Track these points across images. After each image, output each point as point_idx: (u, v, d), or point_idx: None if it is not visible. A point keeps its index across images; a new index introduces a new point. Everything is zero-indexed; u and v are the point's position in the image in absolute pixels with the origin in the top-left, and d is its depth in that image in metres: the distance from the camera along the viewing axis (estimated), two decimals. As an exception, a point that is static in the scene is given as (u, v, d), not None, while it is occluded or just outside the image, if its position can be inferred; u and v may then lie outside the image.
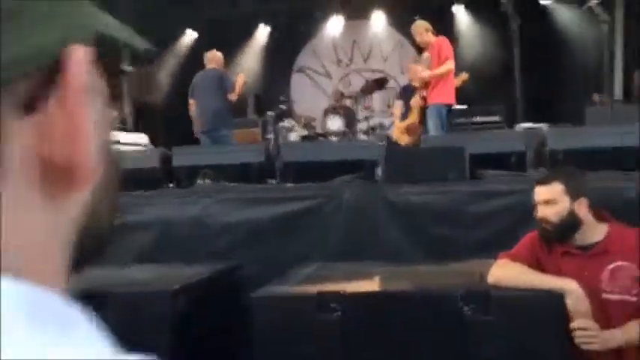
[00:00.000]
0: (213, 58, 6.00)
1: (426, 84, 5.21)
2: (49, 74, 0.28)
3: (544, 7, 8.68)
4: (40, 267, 0.29)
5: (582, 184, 2.14)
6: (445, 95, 5.16)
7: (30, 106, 0.28)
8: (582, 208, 2.06)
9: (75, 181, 0.29)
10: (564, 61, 8.44)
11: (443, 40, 5.32)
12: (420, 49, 5.86)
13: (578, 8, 5.63)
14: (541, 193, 2.12)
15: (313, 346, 1.96)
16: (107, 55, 0.33)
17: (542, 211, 2.09)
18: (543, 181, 2.15)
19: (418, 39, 5.36)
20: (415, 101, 5.41)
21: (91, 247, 0.32)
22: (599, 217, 2.10)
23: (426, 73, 5.15)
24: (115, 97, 0.35)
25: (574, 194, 2.07)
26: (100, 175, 0.31)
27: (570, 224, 2.05)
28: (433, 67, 5.14)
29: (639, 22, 7.07)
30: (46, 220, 0.29)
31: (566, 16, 8.36)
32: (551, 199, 2.07)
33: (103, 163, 0.31)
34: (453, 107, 5.29)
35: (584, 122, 5.17)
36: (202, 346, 2.39)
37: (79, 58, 0.29)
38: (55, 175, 0.29)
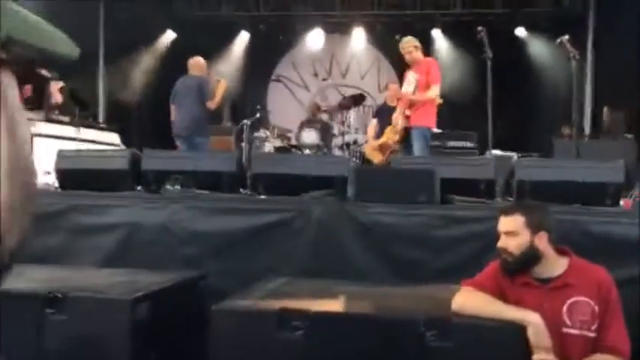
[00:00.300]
0: (196, 64, 5.97)
1: (410, 104, 5.21)
2: None
3: (518, 38, 8.94)
4: None
5: (544, 217, 2.17)
6: (429, 119, 5.20)
7: None
8: (542, 242, 2.10)
9: None
10: (536, 91, 8.69)
11: (433, 63, 5.34)
12: (400, 67, 5.88)
13: (551, 42, 5.80)
14: (503, 223, 2.15)
15: (273, 365, 1.94)
16: (20, 60, 0.31)
17: (503, 242, 2.12)
18: (506, 212, 2.18)
19: (407, 56, 5.34)
20: (397, 118, 5.38)
21: None
22: (560, 251, 2.14)
23: (414, 96, 5.13)
24: (32, 104, 0.33)
25: (535, 227, 2.10)
26: (7, 197, 0.29)
27: (530, 257, 2.09)
28: (420, 87, 5.15)
29: (608, 60, 7.34)
30: None
31: (538, 49, 8.62)
32: (512, 231, 2.11)
33: (13, 185, 0.29)
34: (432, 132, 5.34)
35: (552, 154, 5.33)
36: (161, 355, 2.34)
37: None
38: None
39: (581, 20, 7.87)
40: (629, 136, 5.74)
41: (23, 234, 0.31)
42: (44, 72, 0.34)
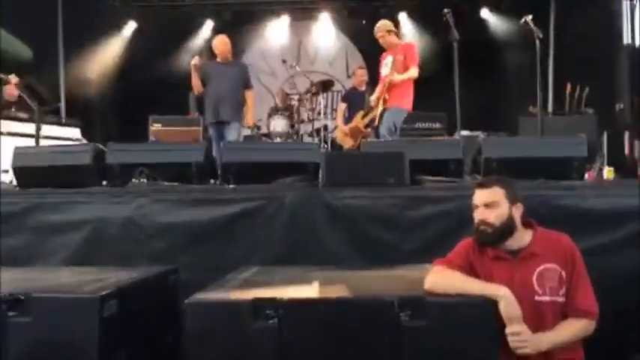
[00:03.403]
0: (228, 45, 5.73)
1: (390, 87, 5.15)
2: None
3: (483, 19, 9.01)
4: None
5: (517, 190, 2.23)
6: (403, 100, 5.17)
7: None
8: (517, 213, 2.16)
9: None
10: (502, 71, 8.78)
11: (411, 46, 5.33)
12: (369, 52, 5.82)
13: (515, 22, 5.85)
14: (483, 195, 2.18)
15: (248, 354, 1.91)
16: None
17: (482, 214, 2.16)
18: (484, 185, 2.22)
19: (381, 40, 5.31)
20: (375, 101, 5.32)
21: None
22: (525, 224, 2.20)
23: (395, 77, 5.08)
24: None
25: (512, 199, 2.16)
26: None
27: (508, 228, 2.15)
28: (398, 70, 5.12)
29: (569, 38, 7.47)
30: None
31: (503, 29, 8.72)
32: (492, 202, 2.15)
33: None
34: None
35: (517, 132, 5.41)
36: (133, 352, 2.29)
37: None
38: None
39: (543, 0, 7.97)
40: (590, 110, 5.86)
41: None
42: None
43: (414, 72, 5.09)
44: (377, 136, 5.31)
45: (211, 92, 5.65)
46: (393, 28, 5.38)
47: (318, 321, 1.93)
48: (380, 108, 5.21)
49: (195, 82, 5.66)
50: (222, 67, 5.71)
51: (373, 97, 5.35)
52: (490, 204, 2.15)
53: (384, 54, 5.40)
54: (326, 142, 6.87)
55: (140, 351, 2.36)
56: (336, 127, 6.65)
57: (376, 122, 5.28)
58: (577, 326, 2.07)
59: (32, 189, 3.42)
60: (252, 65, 10.03)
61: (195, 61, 5.60)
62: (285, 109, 7.42)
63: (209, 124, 5.71)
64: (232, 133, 5.52)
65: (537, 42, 4.40)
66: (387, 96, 5.17)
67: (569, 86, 6.07)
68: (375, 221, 3.00)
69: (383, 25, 5.36)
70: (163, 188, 3.37)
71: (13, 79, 4.73)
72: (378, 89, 5.32)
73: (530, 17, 4.46)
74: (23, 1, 5.64)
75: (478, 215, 2.17)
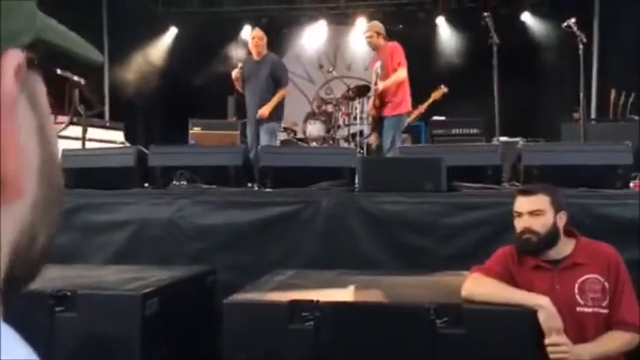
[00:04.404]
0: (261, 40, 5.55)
1: (382, 93, 5.05)
2: None
3: (523, 22, 8.85)
4: None
5: (562, 198, 2.19)
6: (404, 104, 5.10)
7: None
8: (562, 222, 2.12)
9: (4, 195, 0.28)
10: (542, 76, 8.61)
11: (395, 46, 5.14)
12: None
13: (557, 26, 5.73)
14: (527, 203, 2.14)
15: (284, 356, 1.94)
16: (50, 62, 0.31)
17: (527, 222, 2.11)
18: (529, 192, 2.17)
19: (369, 40, 5.17)
20: (369, 111, 5.28)
21: (23, 268, 0.31)
22: (567, 233, 2.16)
23: (384, 83, 4.97)
24: (61, 106, 0.34)
25: (557, 207, 2.12)
26: (38, 192, 0.30)
27: (552, 236, 2.11)
28: (387, 74, 5.04)
29: (614, 42, 7.25)
30: None
31: (544, 33, 8.54)
32: (537, 210, 2.11)
33: (43, 180, 0.30)
34: (406, 116, 5.19)
35: (560, 138, 5.28)
36: (172, 350, 2.35)
37: (12, 62, 0.27)
38: None
39: (587, 3, 7.77)
40: (636, 117, 5.68)
41: (53, 230, 0.32)
42: (75, 77, 0.35)
43: (401, 74, 4.97)
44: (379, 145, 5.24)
45: (247, 93, 5.68)
46: (382, 31, 5.23)
47: (354, 325, 1.94)
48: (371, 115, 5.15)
49: (239, 90, 5.72)
50: (255, 65, 5.64)
51: (368, 109, 5.28)
52: (535, 212, 2.10)
53: (372, 61, 5.32)
54: (362, 147, 6.87)
55: (179, 349, 2.42)
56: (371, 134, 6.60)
57: (370, 131, 5.23)
58: (620, 339, 2.01)
59: (78, 189, 3.55)
60: (289, 70, 10.16)
61: (236, 74, 5.60)
62: (321, 114, 7.45)
63: (247, 123, 5.76)
64: (264, 134, 5.49)
65: (580, 46, 4.30)
66: (377, 103, 5.10)
67: (613, 92, 5.90)
68: (411, 227, 2.99)
69: (372, 26, 5.26)
70: (203, 191, 3.44)
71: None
72: (371, 101, 5.24)
73: (573, 21, 4.36)
74: (68, 6, 5.86)
75: (522, 223, 2.12)
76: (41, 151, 0.30)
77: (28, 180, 0.29)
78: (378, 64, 5.17)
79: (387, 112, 5.08)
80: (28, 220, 0.30)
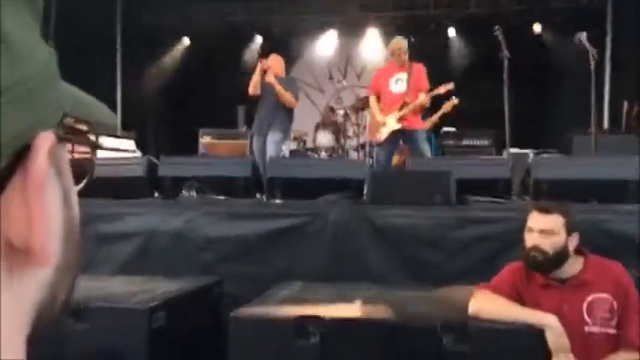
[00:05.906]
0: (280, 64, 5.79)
1: (402, 105, 5.01)
2: (15, 158, 0.28)
3: (535, 35, 8.82)
4: None
5: (576, 219, 2.15)
6: (421, 121, 5.21)
7: None
8: (573, 244, 2.08)
9: (31, 262, 0.29)
10: (553, 88, 8.56)
11: (423, 68, 5.21)
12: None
13: (569, 39, 5.71)
14: (541, 221, 2.09)
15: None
16: (78, 136, 0.34)
17: (536, 239, 2.07)
18: (545, 210, 2.11)
19: (402, 57, 5.13)
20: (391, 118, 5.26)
21: (44, 327, 0.32)
22: (576, 251, 2.12)
23: (420, 100, 5.00)
24: (85, 172, 0.36)
25: (570, 229, 2.08)
26: (62, 257, 0.31)
27: (561, 257, 2.07)
28: (411, 90, 5.06)
29: (626, 56, 7.20)
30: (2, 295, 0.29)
31: (555, 46, 8.50)
32: (549, 230, 2.06)
33: (67, 245, 0.32)
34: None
35: (571, 150, 5.24)
36: (178, 362, 2.35)
37: (44, 145, 0.29)
38: (13, 254, 0.29)
39: (599, 15, 7.74)
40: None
41: (72, 289, 0.34)
42: (95, 139, 0.38)
43: (426, 97, 5.05)
44: (387, 154, 5.22)
45: (260, 108, 5.73)
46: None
47: (360, 341, 1.93)
48: (397, 126, 5.10)
49: (255, 82, 5.70)
50: (269, 84, 5.76)
51: (393, 117, 5.19)
52: (547, 231, 2.06)
53: (389, 70, 5.28)
54: (371, 157, 6.86)
55: (185, 361, 2.42)
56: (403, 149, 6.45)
57: (382, 137, 5.15)
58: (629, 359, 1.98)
59: (87, 199, 3.58)
60: (299, 80, 10.20)
61: (264, 64, 5.67)
62: (331, 123, 7.47)
63: (255, 135, 5.79)
64: (270, 144, 5.54)
65: (592, 59, 4.28)
66: (400, 114, 5.07)
67: (626, 105, 5.85)
68: (420, 241, 2.98)
69: (405, 43, 5.30)
70: (212, 201, 3.46)
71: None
72: (398, 110, 5.17)
73: (584, 35, 4.34)
74: (84, 12, 5.93)
75: (532, 240, 2.08)
76: (65, 216, 0.32)
77: (54, 247, 0.31)
78: (402, 75, 5.14)
79: (418, 125, 5.09)
80: (51, 283, 0.32)
